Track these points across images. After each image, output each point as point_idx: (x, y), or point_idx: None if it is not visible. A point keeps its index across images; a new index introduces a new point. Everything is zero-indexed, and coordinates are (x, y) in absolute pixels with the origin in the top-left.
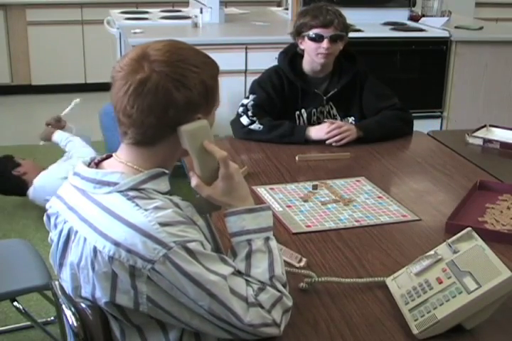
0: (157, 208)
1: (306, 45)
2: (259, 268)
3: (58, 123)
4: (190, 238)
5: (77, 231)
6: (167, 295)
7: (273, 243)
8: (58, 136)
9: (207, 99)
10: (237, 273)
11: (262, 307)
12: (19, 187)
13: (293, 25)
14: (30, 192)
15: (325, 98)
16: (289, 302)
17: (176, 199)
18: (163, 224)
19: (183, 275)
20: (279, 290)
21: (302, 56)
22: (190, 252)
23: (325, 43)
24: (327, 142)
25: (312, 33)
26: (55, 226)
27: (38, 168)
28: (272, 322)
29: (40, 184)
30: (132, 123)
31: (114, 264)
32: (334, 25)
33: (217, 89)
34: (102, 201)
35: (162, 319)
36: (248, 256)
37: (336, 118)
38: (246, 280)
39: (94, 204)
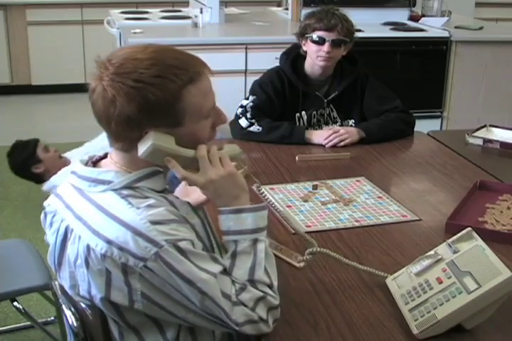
0: (149, 206)
1: (308, 47)
2: (241, 270)
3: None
4: (181, 237)
5: (72, 230)
6: (160, 291)
7: (261, 245)
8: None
9: (151, 114)
10: (225, 271)
11: (245, 305)
12: (36, 178)
13: (299, 25)
14: (46, 185)
15: (325, 101)
16: (275, 301)
17: (171, 197)
18: (154, 223)
19: (175, 274)
20: (261, 291)
21: (304, 58)
22: (181, 251)
23: (326, 47)
24: (326, 146)
25: (315, 35)
26: (51, 224)
27: (61, 163)
28: (259, 319)
29: (56, 183)
30: (104, 130)
31: (106, 262)
32: (337, 29)
33: (180, 102)
34: (97, 199)
35: (158, 316)
36: (233, 256)
37: (337, 121)
38: (231, 279)
39: (89, 203)
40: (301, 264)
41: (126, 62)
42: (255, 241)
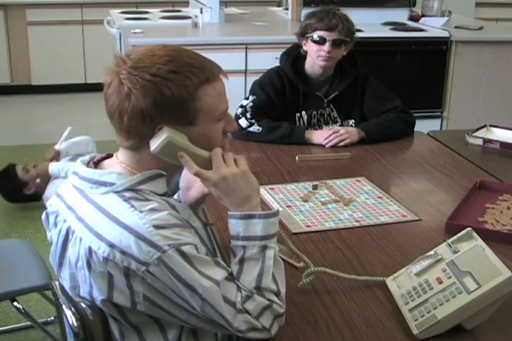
0: (152, 210)
1: (309, 47)
2: (249, 276)
3: (57, 156)
4: (184, 241)
5: (74, 231)
6: (162, 294)
7: (270, 252)
8: (54, 168)
9: (165, 109)
10: (231, 276)
11: (249, 314)
12: (33, 198)
13: (300, 25)
14: (46, 200)
15: (326, 101)
16: (280, 309)
17: (172, 200)
18: (157, 227)
19: (176, 279)
20: (268, 299)
21: (305, 58)
22: (184, 255)
23: (326, 46)
24: (326, 146)
25: (315, 35)
26: (55, 224)
27: (45, 177)
28: (262, 328)
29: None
30: (115, 126)
31: (109, 265)
32: (338, 29)
33: (193, 101)
34: (99, 201)
35: (160, 317)
36: (241, 262)
37: (337, 121)
38: (237, 285)
39: (90, 205)
40: (301, 264)
41: (144, 57)
42: (264, 248)
